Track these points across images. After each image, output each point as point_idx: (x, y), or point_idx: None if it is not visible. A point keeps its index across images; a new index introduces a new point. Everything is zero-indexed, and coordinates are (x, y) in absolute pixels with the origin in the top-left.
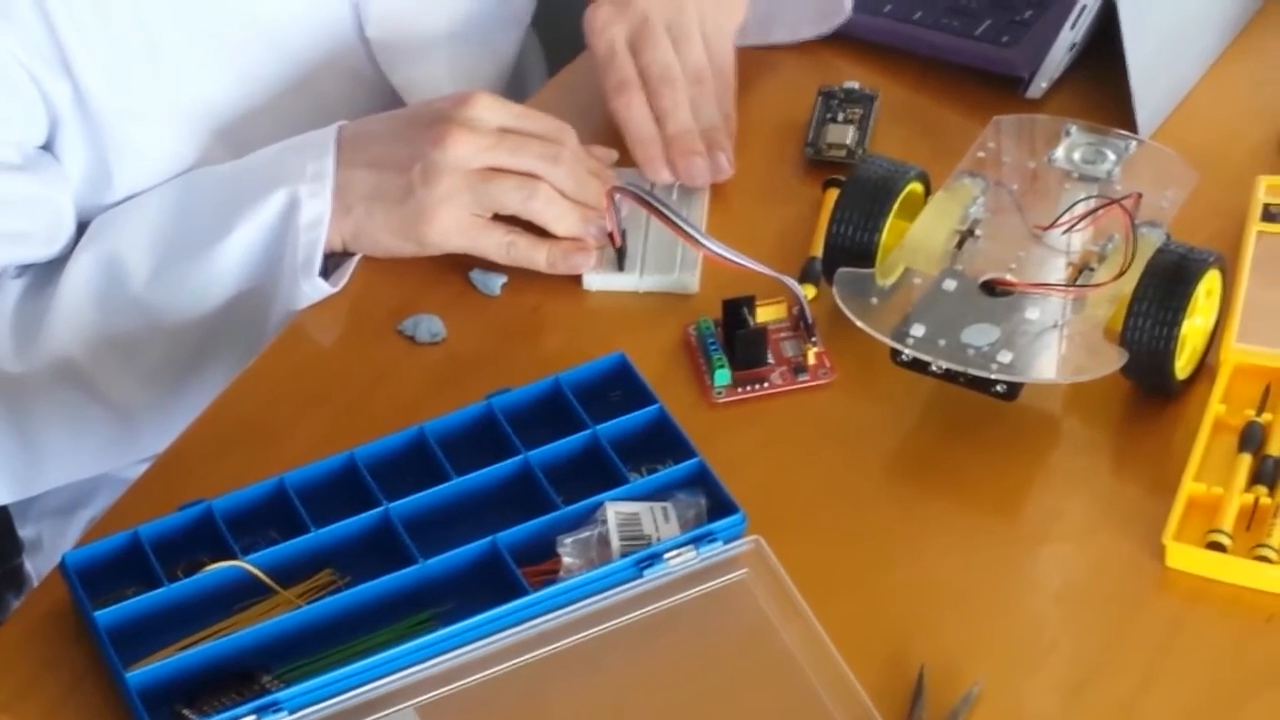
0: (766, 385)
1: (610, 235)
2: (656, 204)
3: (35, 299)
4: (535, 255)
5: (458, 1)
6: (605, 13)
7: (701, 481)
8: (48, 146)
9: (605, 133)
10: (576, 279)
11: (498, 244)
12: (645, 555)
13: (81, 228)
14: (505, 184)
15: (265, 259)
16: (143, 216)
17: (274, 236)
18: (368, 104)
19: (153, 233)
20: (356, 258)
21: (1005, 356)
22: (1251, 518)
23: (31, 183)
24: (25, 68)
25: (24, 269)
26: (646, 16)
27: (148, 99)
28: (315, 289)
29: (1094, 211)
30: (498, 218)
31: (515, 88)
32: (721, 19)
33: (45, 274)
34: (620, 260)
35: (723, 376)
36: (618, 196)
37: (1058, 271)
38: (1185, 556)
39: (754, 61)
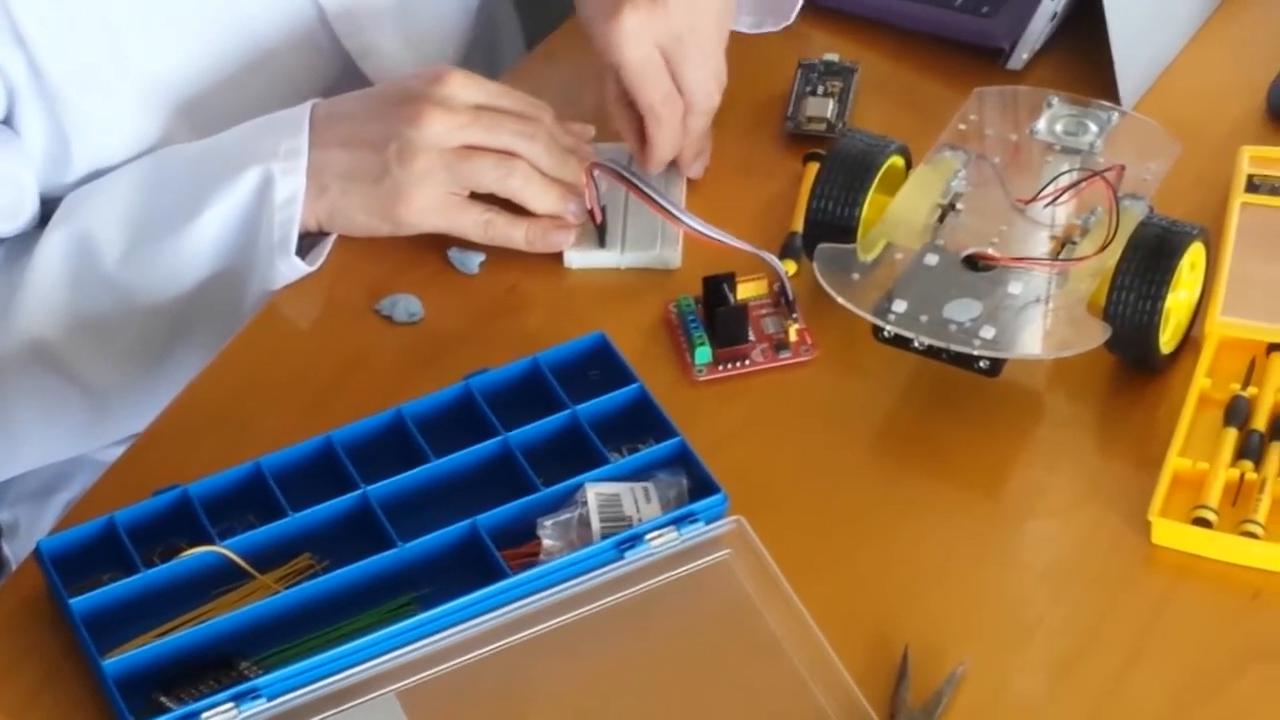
0: (748, 363)
1: (590, 212)
2: (636, 180)
3: (5, 278)
4: (513, 233)
5: None
6: (638, 20)
7: (682, 461)
8: (6, 121)
9: (583, 109)
10: (556, 257)
11: (475, 222)
12: (626, 536)
13: (45, 205)
14: (482, 162)
15: (239, 238)
16: (114, 194)
17: (248, 215)
18: (328, 74)
19: (125, 211)
20: (333, 236)
21: (988, 332)
22: (1237, 493)
23: None
24: None
25: None
26: (680, 34)
27: (104, 72)
28: (292, 268)
29: (1076, 184)
30: (475, 196)
31: (490, 58)
32: (725, 27)
33: (15, 252)
34: (601, 237)
35: (703, 354)
36: (597, 173)
37: (1040, 245)
38: (1171, 532)
39: (733, 35)
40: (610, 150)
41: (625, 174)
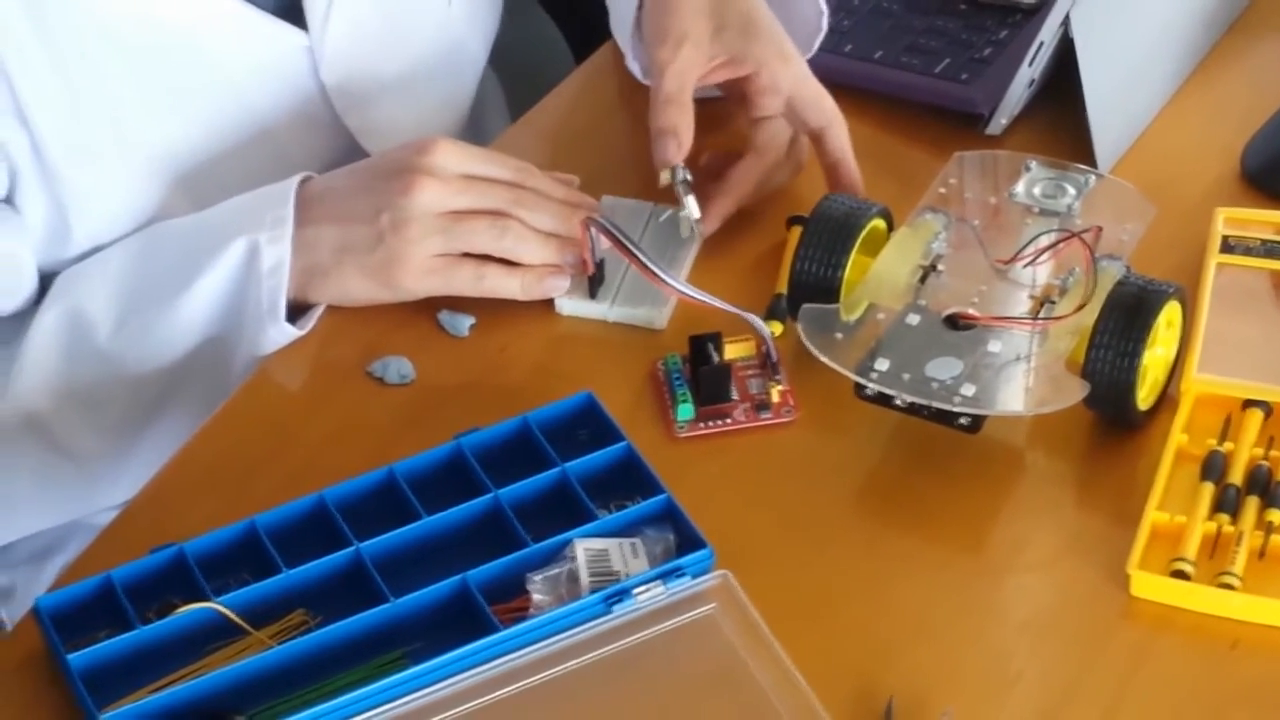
0: (729, 421)
1: (584, 263)
2: (625, 241)
3: (2, 355)
4: (508, 283)
5: (413, 46)
6: (774, 75)
7: (669, 517)
8: (8, 199)
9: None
10: (545, 319)
11: (469, 277)
12: (614, 591)
13: (43, 280)
14: (476, 224)
15: (228, 308)
16: (106, 269)
17: (236, 285)
18: (325, 148)
19: (116, 285)
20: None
21: (969, 389)
22: (1215, 546)
23: None
24: None
25: None
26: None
27: (104, 147)
28: (282, 333)
29: (1055, 245)
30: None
31: (475, 128)
32: None
33: (12, 329)
34: (593, 289)
35: (685, 411)
36: (593, 229)
37: (1020, 305)
38: (1150, 585)
39: (720, 101)
40: (610, 203)
41: (616, 234)
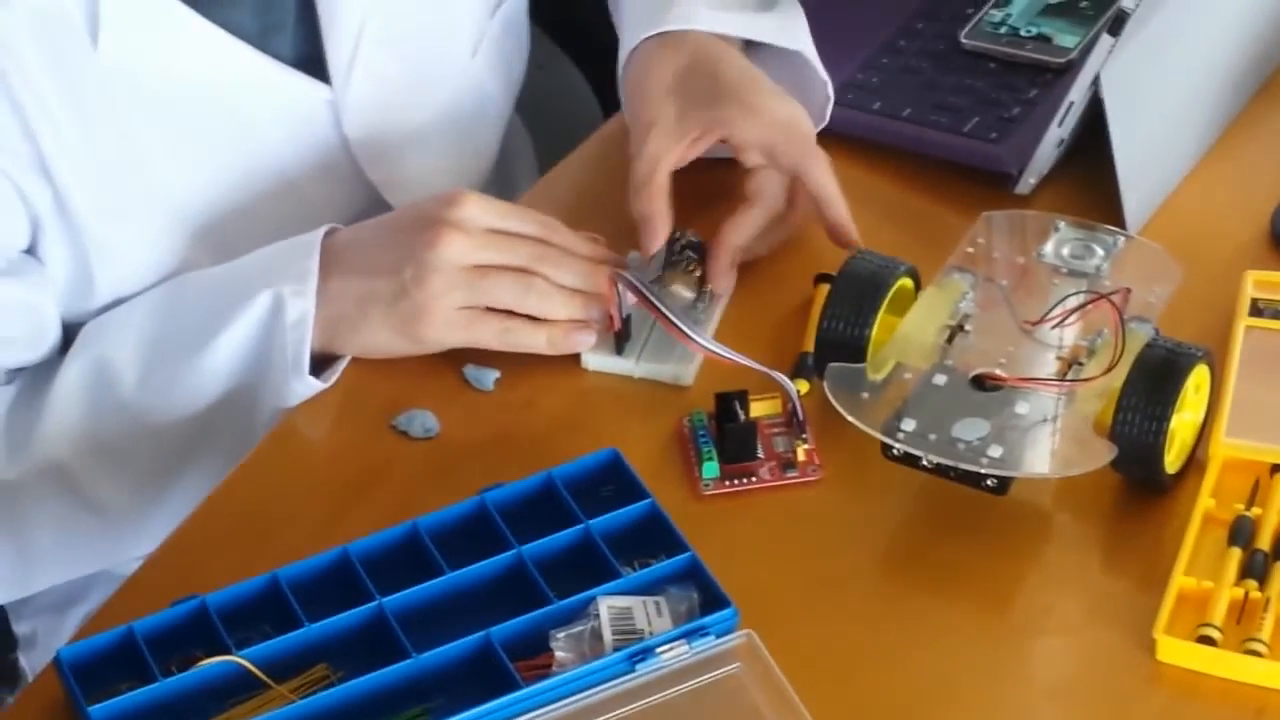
0: (754, 480)
1: (611, 318)
2: (652, 297)
3: (27, 406)
4: (534, 338)
5: (436, 97)
6: (741, 132)
7: (693, 575)
8: (30, 249)
9: (595, 231)
10: (571, 373)
11: (494, 331)
12: (638, 649)
13: (67, 331)
14: (501, 279)
15: (252, 360)
16: (131, 321)
17: (261, 337)
18: (348, 201)
19: (141, 337)
20: (347, 355)
21: (995, 451)
22: (1242, 611)
23: (15, 288)
24: (4, 172)
25: (14, 374)
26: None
27: (127, 199)
28: (306, 386)
29: (1083, 306)
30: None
31: (502, 178)
32: None
33: (37, 380)
34: (619, 344)
35: (711, 469)
36: (620, 285)
37: (1047, 366)
38: (1176, 650)
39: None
40: (638, 258)
41: (644, 290)
